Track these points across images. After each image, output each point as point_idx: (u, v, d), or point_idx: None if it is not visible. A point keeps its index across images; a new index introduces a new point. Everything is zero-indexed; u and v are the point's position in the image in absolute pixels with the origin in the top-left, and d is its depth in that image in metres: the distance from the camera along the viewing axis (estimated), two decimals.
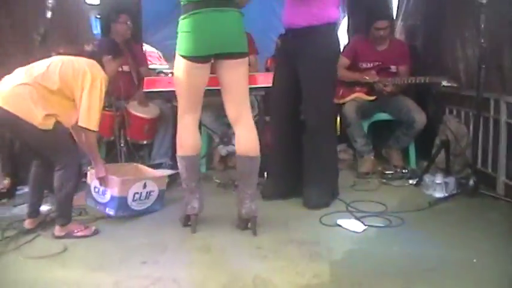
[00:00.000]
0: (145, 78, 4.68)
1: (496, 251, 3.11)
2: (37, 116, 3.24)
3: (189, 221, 3.54)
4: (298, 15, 3.90)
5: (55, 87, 3.34)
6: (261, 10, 7.11)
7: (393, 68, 5.17)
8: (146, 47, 7.66)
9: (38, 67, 3.40)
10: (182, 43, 3.32)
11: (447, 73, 4.94)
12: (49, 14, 4.09)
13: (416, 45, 5.83)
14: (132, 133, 4.98)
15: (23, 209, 3.92)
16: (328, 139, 4.08)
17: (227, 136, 5.08)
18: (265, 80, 4.51)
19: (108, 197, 3.75)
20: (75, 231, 3.42)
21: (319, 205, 3.92)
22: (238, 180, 3.60)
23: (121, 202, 3.72)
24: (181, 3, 3.33)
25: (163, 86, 4.61)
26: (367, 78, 5.10)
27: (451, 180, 4.21)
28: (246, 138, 3.48)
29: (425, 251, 3.16)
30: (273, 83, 4.22)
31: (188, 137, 3.49)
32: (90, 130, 3.42)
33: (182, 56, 3.33)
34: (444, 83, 4.77)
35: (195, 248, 3.25)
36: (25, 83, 3.30)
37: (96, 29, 7.79)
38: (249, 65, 5.30)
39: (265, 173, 4.49)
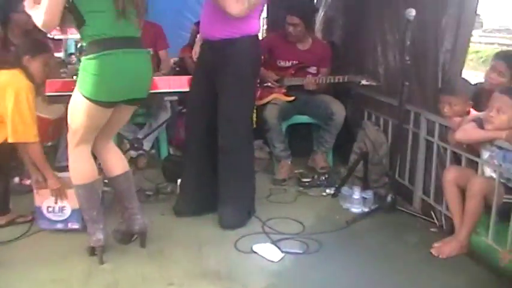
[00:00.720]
0: (48, 81, 4.28)
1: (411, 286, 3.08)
2: None
3: (95, 251, 3.28)
4: (216, 26, 3.61)
5: None
6: None
7: (312, 69, 5.00)
8: None
9: None
10: (88, 85, 2.96)
11: (367, 73, 4.81)
12: None
13: (335, 41, 5.66)
14: None
15: None
16: (245, 158, 3.87)
17: (138, 142, 4.79)
18: (179, 84, 4.26)
19: (68, 212, 3.63)
20: None
21: (235, 225, 3.74)
22: (119, 201, 3.41)
23: None
24: (85, 40, 2.99)
25: (67, 89, 4.22)
26: (269, 83, 4.96)
27: (369, 194, 4.14)
28: (115, 159, 3.41)
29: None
30: (190, 94, 3.95)
31: (84, 165, 3.24)
32: (29, 143, 3.41)
33: (86, 97, 2.99)
34: (363, 81, 4.66)
35: (103, 285, 3.00)
36: None
37: None
38: (161, 61, 5.21)
39: (178, 181, 4.26)
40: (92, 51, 2.93)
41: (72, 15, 2.94)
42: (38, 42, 3.87)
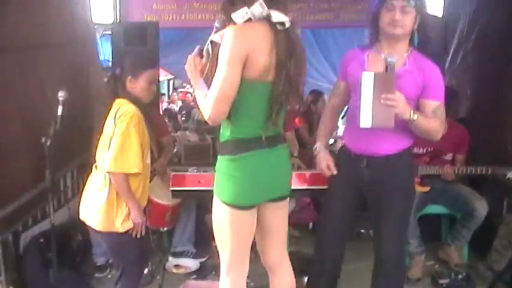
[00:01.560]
0: (172, 175, 4.07)
1: None
2: (116, 227, 3.24)
3: None
4: (382, 143, 3.17)
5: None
6: None
7: (449, 156, 4.57)
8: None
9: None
10: (226, 188, 2.71)
11: (507, 157, 4.34)
12: (60, 110, 3.50)
13: (464, 119, 5.18)
14: (152, 220, 4.39)
15: None
16: (403, 273, 3.58)
17: None
18: (315, 181, 3.95)
19: None
20: None
21: None
22: None
23: None
24: (222, 137, 2.74)
25: (192, 184, 4.02)
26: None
27: None
28: (288, 285, 3.05)
29: None
30: (327, 208, 3.56)
31: None
32: (118, 173, 3.15)
33: (225, 203, 2.72)
34: (510, 175, 4.19)
35: None
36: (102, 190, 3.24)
37: (103, 55, 7.09)
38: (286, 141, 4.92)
39: (304, 279, 3.95)
40: (230, 151, 2.69)
41: None
42: (138, 58, 3.60)
